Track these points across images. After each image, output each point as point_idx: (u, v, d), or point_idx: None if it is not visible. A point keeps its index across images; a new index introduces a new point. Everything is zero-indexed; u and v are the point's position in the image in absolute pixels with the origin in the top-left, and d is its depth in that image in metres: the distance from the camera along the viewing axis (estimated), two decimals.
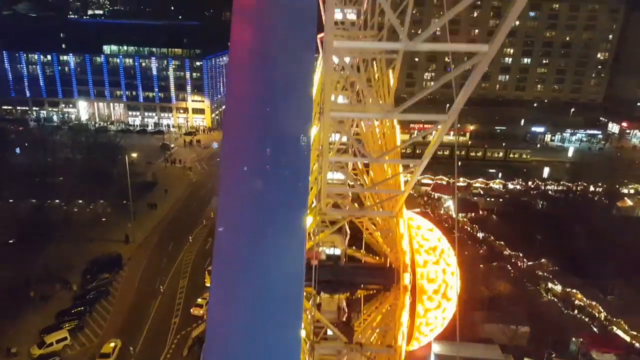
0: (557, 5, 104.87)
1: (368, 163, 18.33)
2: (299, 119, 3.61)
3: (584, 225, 59.77)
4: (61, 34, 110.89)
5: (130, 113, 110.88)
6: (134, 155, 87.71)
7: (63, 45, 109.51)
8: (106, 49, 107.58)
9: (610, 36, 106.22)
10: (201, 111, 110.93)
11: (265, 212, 3.40)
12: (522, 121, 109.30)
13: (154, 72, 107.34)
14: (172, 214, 63.82)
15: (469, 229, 59.93)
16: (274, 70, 3.88)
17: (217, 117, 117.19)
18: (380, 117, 14.12)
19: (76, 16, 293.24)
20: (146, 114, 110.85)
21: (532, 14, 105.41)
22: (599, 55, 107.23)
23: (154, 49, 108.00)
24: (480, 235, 58.57)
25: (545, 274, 48.63)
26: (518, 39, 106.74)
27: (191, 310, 42.10)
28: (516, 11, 7.20)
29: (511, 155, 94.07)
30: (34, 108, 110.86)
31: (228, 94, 4.18)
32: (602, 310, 42.83)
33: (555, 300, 45.71)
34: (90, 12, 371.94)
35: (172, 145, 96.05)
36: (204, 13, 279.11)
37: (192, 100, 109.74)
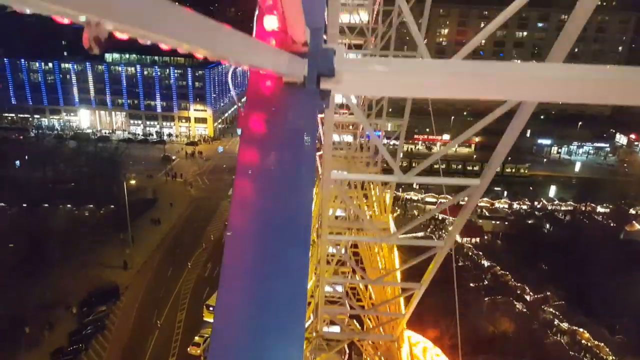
0: (565, 17, 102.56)
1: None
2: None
3: (590, 251, 58.57)
4: (63, 42, 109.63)
5: (131, 122, 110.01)
6: (135, 167, 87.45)
7: (65, 53, 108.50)
8: (108, 57, 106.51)
9: (620, 48, 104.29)
10: (203, 120, 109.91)
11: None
12: (529, 133, 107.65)
13: (156, 81, 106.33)
14: (172, 235, 62.91)
15: (474, 256, 58.79)
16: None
17: (219, 126, 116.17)
18: (377, 241, 13.14)
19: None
20: (148, 122, 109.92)
21: (540, 24, 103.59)
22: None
23: (156, 58, 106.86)
24: (485, 263, 57.44)
25: (551, 309, 47.47)
26: (526, 49, 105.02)
27: (188, 349, 41.27)
28: (506, 145, 7.52)
29: (507, 170, 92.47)
30: (35, 116, 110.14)
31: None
32: (610, 353, 41.71)
33: (562, 341, 44.56)
34: None
35: (174, 157, 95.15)
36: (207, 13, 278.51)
37: (194, 110, 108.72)
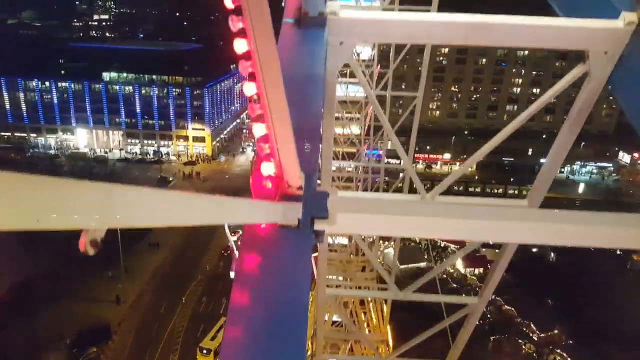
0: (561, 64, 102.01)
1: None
2: None
3: (597, 284, 56.92)
4: (60, 60, 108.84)
5: (129, 141, 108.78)
6: None
7: (62, 72, 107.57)
8: (106, 76, 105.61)
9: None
10: (202, 139, 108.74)
11: None
12: (531, 152, 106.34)
13: (154, 100, 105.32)
14: (166, 266, 61.24)
15: (477, 289, 56.96)
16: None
17: (217, 145, 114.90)
18: None
19: (81, 23, 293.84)
20: (146, 142, 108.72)
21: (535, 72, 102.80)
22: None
23: (154, 77, 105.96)
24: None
25: (559, 350, 45.68)
26: (527, 69, 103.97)
27: None
28: (503, 266, 7.53)
29: (510, 192, 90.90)
30: (32, 135, 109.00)
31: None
32: None
33: None
34: (96, 17, 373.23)
35: (171, 179, 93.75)
36: (205, 31, 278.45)
37: (193, 129, 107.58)
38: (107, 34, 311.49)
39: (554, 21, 5.76)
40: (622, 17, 5.36)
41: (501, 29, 5.93)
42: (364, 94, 24.00)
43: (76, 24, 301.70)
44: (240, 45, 3.69)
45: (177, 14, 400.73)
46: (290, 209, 4.15)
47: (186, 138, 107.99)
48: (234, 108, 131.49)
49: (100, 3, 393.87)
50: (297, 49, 6.38)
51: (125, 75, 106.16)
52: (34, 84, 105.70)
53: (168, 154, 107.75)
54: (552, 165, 7.48)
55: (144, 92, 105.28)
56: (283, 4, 6.64)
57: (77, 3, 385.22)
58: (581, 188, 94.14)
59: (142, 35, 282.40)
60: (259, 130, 4.21)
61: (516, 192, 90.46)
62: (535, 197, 7.53)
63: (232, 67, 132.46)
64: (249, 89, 4.01)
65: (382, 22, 6.31)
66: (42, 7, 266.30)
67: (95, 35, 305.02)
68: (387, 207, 4.91)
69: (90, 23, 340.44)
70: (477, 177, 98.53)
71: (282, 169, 4.32)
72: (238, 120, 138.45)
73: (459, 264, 61.97)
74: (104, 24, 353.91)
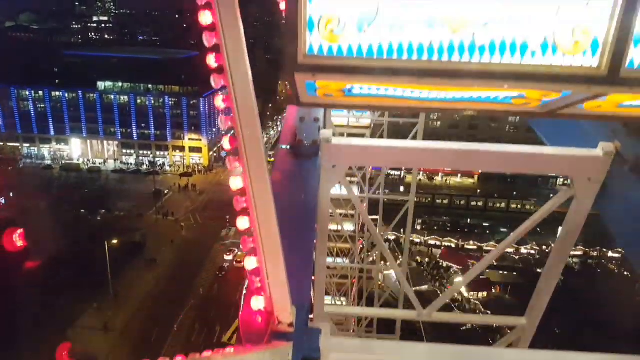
0: None
1: None
2: None
3: (604, 307, 54.95)
4: (55, 69, 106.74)
5: (124, 151, 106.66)
6: (124, 204, 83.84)
7: (56, 81, 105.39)
8: (100, 85, 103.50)
9: None
10: (198, 149, 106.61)
11: None
12: None
13: (150, 110, 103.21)
14: (158, 288, 59.00)
15: (480, 314, 54.87)
16: None
17: (214, 155, 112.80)
18: None
19: (80, 25, 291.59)
20: (141, 152, 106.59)
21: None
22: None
23: (150, 86, 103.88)
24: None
25: None
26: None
27: None
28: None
29: (513, 206, 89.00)
30: (25, 145, 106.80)
31: None
32: None
33: None
34: (95, 18, 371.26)
35: (166, 191, 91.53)
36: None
37: (189, 139, 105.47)
38: (106, 36, 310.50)
39: (539, 149, 6.18)
40: (601, 147, 5.86)
41: (489, 155, 6.43)
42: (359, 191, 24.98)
43: (75, 26, 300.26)
44: (236, 183, 4.28)
45: (177, 16, 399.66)
46: (279, 351, 4.13)
47: (182, 148, 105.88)
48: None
49: (99, 4, 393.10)
50: (291, 175, 7.34)
51: (120, 84, 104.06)
52: (27, 93, 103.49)
53: (164, 164, 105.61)
54: (546, 283, 7.45)
55: (139, 101, 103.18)
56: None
57: (77, 4, 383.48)
58: None
59: (141, 37, 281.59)
60: (250, 263, 4.34)
61: (519, 206, 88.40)
62: (534, 314, 7.73)
63: None
64: (242, 223, 4.28)
65: (373, 148, 6.77)
66: (41, 9, 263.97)
67: (94, 37, 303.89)
68: (382, 348, 5.37)
69: (89, 25, 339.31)
70: (478, 191, 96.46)
71: (272, 304, 4.38)
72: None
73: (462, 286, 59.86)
74: (103, 25, 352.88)
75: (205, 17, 3.89)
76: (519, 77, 3.66)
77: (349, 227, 25.38)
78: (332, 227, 21.97)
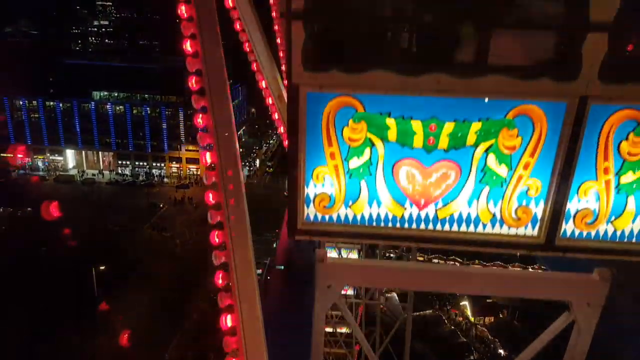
0: None
1: None
2: None
3: (619, 337, 51.85)
4: (50, 78, 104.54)
5: (120, 162, 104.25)
6: (118, 218, 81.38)
7: (50, 90, 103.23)
8: (95, 95, 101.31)
9: None
10: (195, 160, 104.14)
11: None
12: None
13: (146, 120, 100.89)
14: (151, 311, 56.34)
15: (489, 342, 52.08)
16: None
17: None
18: None
19: (79, 29, 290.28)
20: (137, 163, 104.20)
21: None
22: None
23: (146, 96, 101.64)
24: (501, 352, 50.76)
25: None
26: None
27: None
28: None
29: None
30: (19, 155, 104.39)
31: None
32: None
33: None
34: (96, 22, 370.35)
35: (161, 205, 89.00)
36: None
37: (186, 150, 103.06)
38: (107, 41, 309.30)
39: (537, 273, 7.30)
40: (596, 272, 6.11)
41: (487, 278, 6.67)
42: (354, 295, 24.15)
43: (75, 31, 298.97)
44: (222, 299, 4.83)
45: (177, 20, 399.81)
46: None
47: (179, 159, 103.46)
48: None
49: (100, 8, 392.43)
50: (285, 297, 9.49)
51: (115, 93, 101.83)
52: (20, 103, 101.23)
53: (160, 175, 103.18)
54: None
55: (135, 111, 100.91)
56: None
57: (78, 8, 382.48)
58: None
59: (141, 42, 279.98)
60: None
61: None
62: None
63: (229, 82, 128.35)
64: (228, 343, 4.99)
65: (368, 268, 7.10)
66: (42, 13, 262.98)
67: (94, 41, 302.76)
68: None
69: (89, 29, 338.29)
70: None
71: None
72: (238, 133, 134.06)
73: (468, 311, 57.11)
74: (103, 30, 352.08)
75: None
76: (472, 243, 5.13)
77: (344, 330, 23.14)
78: (328, 329, 20.14)
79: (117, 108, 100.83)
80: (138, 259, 67.26)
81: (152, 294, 59.57)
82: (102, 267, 51.98)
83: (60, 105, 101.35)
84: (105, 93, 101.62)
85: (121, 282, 59.62)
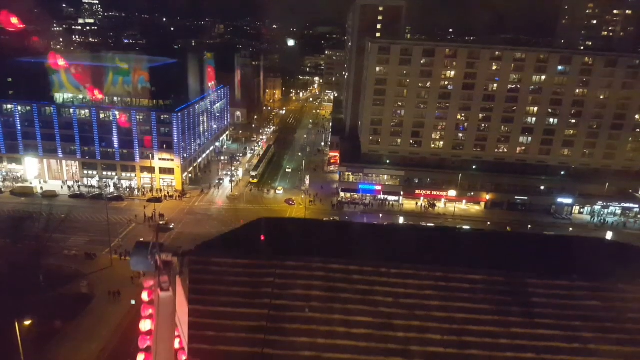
0: (590, 60, 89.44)
1: None
2: None
3: None
4: (8, 79, 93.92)
5: (85, 172, 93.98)
6: (77, 239, 71.42)
7: (10, 92, 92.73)
8: (58, 97, 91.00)
9: None
10: (170, 171, 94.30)
11: None
12: (546, 190, 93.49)
13: (114, 126, 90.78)
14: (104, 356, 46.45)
15: None
16: None
17: (190, 176, 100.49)
18: None
19: (62, 28, 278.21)
20: (105, 173, 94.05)
21: (560, 68, 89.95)
22: (637, 117, 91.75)
23: (115, 99, 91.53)
24: None
25: None
26: (544, 96, 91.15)
27: None
28: None
29: None
30: None
31: None
32: None
33: None
34: (81, 20, 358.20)
35: (129, 220, 79.05)
36: (193, 37, 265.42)
37: (160, 159, 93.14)
38: (91, 39, 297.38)
39: None
40: None
41: None
42: None
43: (56, 29, 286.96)
44: None
45: (164, 19, 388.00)
46: None
47: (152, 169, 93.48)
48: (210, 130, 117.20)
49: (86, 6, 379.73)
50: None
51: (80, 96, 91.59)
52: None
53: (130, 187, 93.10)
54: None
55: (102, 116, 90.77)
56: None
57: (64, 6, 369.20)
58: (609, 235, 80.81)
59: (127, 41, 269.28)
60: None
61: None
62: None
63: (209, 84, 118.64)
64: None
65: None
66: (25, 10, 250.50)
67: (79, 40, 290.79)
68: None
69: (73, 27, 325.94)
70: (488, 223, 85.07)
71: None
72: (217, 143, 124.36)
73: None
74: (88, 28, 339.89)
75: None
76: None
77: None
78: None
79: (82, 112, 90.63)
80: (92, 294, 57.37)
81: (109, 339, 49.53)
82: (27, 322, 41.31)
83: (19, 108, 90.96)
84: (69, 96, 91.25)
85: (59, 334, 49.54)
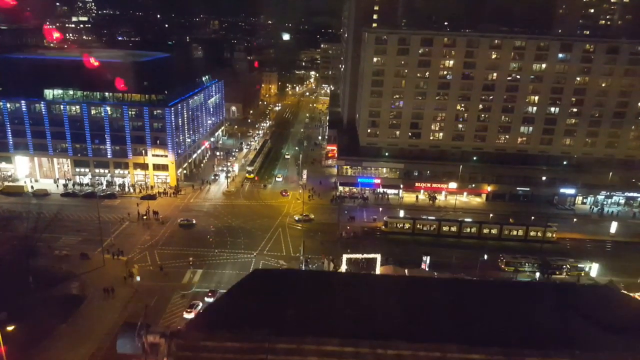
0: (592, 47, 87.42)
1: None
2: None
3: None
4: None
5: (77, 170, 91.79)
6: (69, 239, 69.48)
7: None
8: (48, 93, 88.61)
9: None
10: (164, 167, 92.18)
11: None
12: (549, 181, 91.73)
13: (106, 122, 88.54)
14: None
15: None
16: None
17: (184, 172, 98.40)
18: None
19: (55, 25, 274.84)
20: (97, 170, 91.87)
21: (561, 55, 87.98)
22: None
23: (106, 94, 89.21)
24: None
25: None
26: (545, 85, 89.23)
27: None
28: None
29: (532, 234, 75.87)
30: None
31: None
32: None
33: None
34: (74, 18, 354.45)
35: (122, 219, 76.99)
36: (187, 34, 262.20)
37: (153, 155, 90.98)
38: (85, 37, 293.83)
39: None
40: None
41: None
42: None
43: (49, 27, 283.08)
44: None
45: (158, 16, 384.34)
46: None
47: (145, 166, 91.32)
48: (206, 125, 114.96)
49: (80, 4, 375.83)
50: None
51: (71, 92, 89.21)
52: None
53: (123, 184, 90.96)
54: None
55: (93, 112, 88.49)
56: None
57: (57, 4, 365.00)
58: (613, 227, 79.17)
59: (120, 38, 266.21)
60: None
61: (539, 233, 75.29)
62: None
63: (204, 78, 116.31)
64: None
65: None
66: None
67: (72, 38, 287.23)
68: None
69: (66, 25, 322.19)
70: (491, 216, 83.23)
71: None
72: (212, 139, 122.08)
73: None
74: (81, 25, 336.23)
75: None
76: None
77: None
78: None
79: (73, 108, 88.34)
80: (84, 295, 55.40)
81: (99, 346, 47.60)
82: (9, 328, 39.41)
83: (8, 105, 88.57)
84: (59, 91, 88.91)
85: (48, 338, 47.62)
